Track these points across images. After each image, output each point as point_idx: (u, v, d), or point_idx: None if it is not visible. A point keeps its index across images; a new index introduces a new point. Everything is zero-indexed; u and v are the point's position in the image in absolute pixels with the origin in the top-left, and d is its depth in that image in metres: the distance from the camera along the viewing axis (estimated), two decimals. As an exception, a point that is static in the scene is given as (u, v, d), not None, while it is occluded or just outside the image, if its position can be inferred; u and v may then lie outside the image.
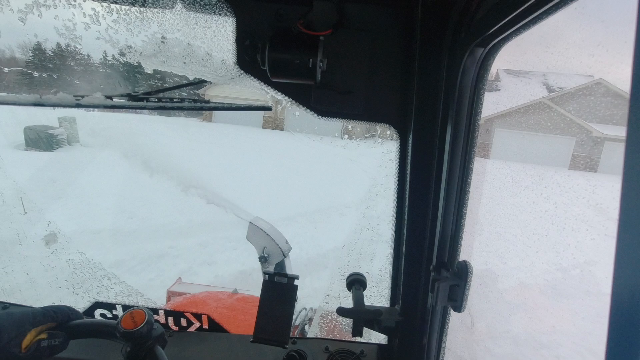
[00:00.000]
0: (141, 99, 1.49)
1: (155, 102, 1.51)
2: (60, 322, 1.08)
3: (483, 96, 1.02)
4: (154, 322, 1.10)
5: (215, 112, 25.93)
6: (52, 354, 1.03)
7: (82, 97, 1.47)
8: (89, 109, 1.50)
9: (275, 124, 26.31)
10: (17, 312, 1.03)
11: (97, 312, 1.57)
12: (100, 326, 1.12)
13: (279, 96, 1.27)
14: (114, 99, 1.49)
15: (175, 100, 1.52)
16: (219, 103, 1.51)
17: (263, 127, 26.16)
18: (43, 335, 1.03)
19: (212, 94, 25.76)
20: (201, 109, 1.50)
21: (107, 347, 1.44)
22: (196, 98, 1.53)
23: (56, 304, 1.11)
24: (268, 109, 1.46)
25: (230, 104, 1.49)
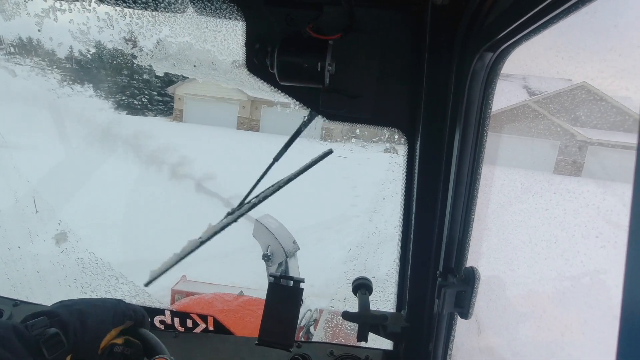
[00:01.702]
0: (239, 210, 1.69)
1: (248, 204, 1.69)
2: (137, 323, 1.06)
3: (492, 101, 1.02)
4: None
5: (186, 110, 25.62)
6: None
7: (202, 235, 1.75)
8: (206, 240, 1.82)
9: (250, 125, 25.63)
10: (99, 305, 0.99)
11: None
12: (157, 346, 1.09)
13: (288, 99, 1.28)
14: (220, 224, 1.74)
15: (260, 195, 1.67)
16: (291, 175, 1.63)
17: (237, 128, 25.58)
18: (119, 340, 1.00)
19: (183, 92, 25.11)
20: (281, 187, 1.64)
21: None
22: (276, 183, 1.65)
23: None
24: (330, 153, 1.55)
25: (300, 169, 1.59)
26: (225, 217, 1.72)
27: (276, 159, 1.53)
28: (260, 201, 1.62)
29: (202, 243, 1.67)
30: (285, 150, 1.51)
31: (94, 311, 0.96)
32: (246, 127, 25.64)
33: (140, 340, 1.07)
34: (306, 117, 1.39)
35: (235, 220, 1.65)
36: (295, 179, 1.58)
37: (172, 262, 1.74)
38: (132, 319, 1.05)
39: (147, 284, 1.84)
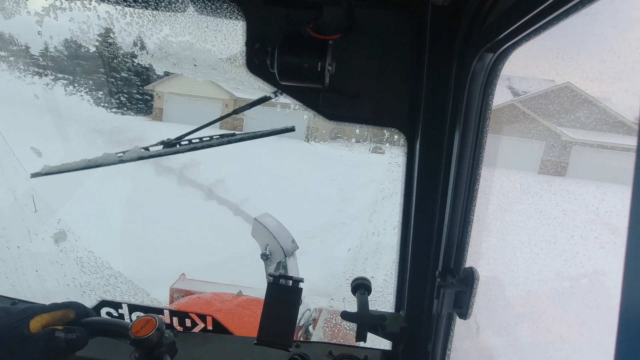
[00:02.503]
0: (174, 144, 1.58)
1: (187, 144, 1.59)
2: (77, 313, 1.08)
3: (492, 102, 1.02)
4: (166, 331, 1.11)
5: (166, 109, 24.83)
6: (70, 349, 1.01)
7: (124, 152, 1.61)
8: (128, 161, 1.61)
9: (233, 125, 24.01)
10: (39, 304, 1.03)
11: (104, 311, 1.59)
12: (116, 326, 1.13)
13: (288, 99, 1.28)
14: (150, 149, 1.61)
15: (204, 139, 1.60)
16: (244, 134, 1.57)
17: (220, 128, 24.62)
18: (59, 327, 1.01)
19: (163, 90, 24.33)
20: (228, 142, 1.57)
21: (115, 347, 1.45)
22: (223, 133, 1.60)
23: (64, 301, 1.12)
24: (291, 130, 1.50)
25: (255, 132, 1.55)
26: (157, 144, 1.61)
27: (236, 111, 1.49)
28: (202, 147, 1.53)
29: (121, 161, 1.55)
30: (250, 107, 1.47)
31: (26, 305, 1.01)
32: (229, 127, 24.32)
33: (88, 325, 1.09)
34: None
35: (167, 153, 1.55)
36: (244, 140, 1.52)
37: (76, 167, 1.61)
38: (70, 307, 1.07)
39: (33, 175, 1.70)
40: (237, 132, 1.58)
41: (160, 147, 1.59)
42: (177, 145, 1.58)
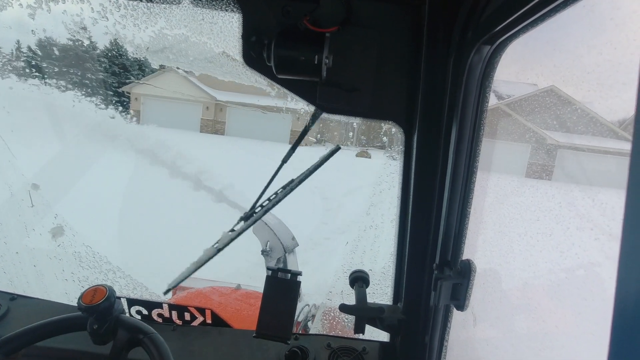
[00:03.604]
0: (251, 215, 1.65)
1: (260, 210, 1.66)
2: None
3: (489, 94, 1.02)
4: (116, 299, 1.14)
5: (143, 111, 23.42)
6: None
7: (217, 242, 1.70)
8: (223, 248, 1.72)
9: (215, 128, 23.71)
10: None
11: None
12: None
13: (285, 92, 1.27)
14: (235, 228, 1.69)
15: (271, 197, 1.65)
16: (301, 175, 1.57)
17: (201, 131, 23.48)
18: None
19: (140, 91, 23.37)
20: (291, 190, 1.60)
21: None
22: (285, 185, 1.62)
23: (63, 296, 1.13)
24: (337, 150, 1.53)
25: (309, 169, 1.55)
26: (239, 222, 1.71)
27: (284, 160, 1.52)
28: (274, 204, 1.61)
29: (219, 250, 1.65)
30: (293, 152, 1.50)
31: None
32: (210, 130, 23.68)
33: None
34: (309, 117, 1.37)
35: (250, 225, 1.64)
36: (306, 179, 1.57)
37: (190, 271, 1.74)
38: None
39: (165, 293, 1.84)
40: (294, 179, 1.62)
41: (242, 222, 1.67)
42: (253, 214, 1.66)
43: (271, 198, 1.64)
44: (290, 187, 1.56)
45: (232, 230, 1.69)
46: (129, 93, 24.04)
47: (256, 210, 1.64)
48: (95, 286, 1.13)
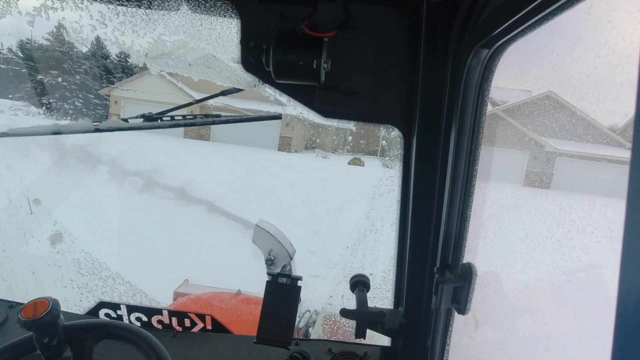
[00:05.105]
0: (155, 119, 1.54)
1: (168, 120, 1.55)
2: None
3: (488, 97, 1.02)
4: (60, 313, 1.06)
5: (123, 116, 23.49)
6: None
7: (100, 122, 1.53)
8: (105, 131, 1.53)
9: (199, 133, 22.62)
10: None
11: (102, 312, 1.58)
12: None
13: (283, 97, 1.28)
14: (129, 121, 1.55)
15: (188, 117, 1.56)
16: (229, 116, 1.54)
17: (185, 137, 22.15)
18: None
19: (120, 95, 22.63)
20: (212, 123, 1.52)
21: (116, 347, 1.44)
22: (208, 113, 1.57)
23: (61, 303, 1.11)
24: (278, 117, 1.48)
25: (240, 115, 1.52)
26: (138, 117, 1.56)
27: (224, 93, 1.47)
28: (182, 124, 1.50)
29: (97, 130, 1.48)
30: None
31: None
32: (195, 136, 22.57)
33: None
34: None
35: (146, 127, 1.50)
36: (229, 123, 1.49)
37: (45, 131, 1.54)
38: None
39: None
40: (222, 114, 1.53)
41: (141, 120, 1.53)
42: (159, 120, 1.53)
43: (187, 117, 1.55)
44: (212, 119, 1.51)
45: (125, 120, 1.53)
46: (108, 96, 23.33)
47: (163, 118, 1.53)
48: (34, 300, 1.04)
